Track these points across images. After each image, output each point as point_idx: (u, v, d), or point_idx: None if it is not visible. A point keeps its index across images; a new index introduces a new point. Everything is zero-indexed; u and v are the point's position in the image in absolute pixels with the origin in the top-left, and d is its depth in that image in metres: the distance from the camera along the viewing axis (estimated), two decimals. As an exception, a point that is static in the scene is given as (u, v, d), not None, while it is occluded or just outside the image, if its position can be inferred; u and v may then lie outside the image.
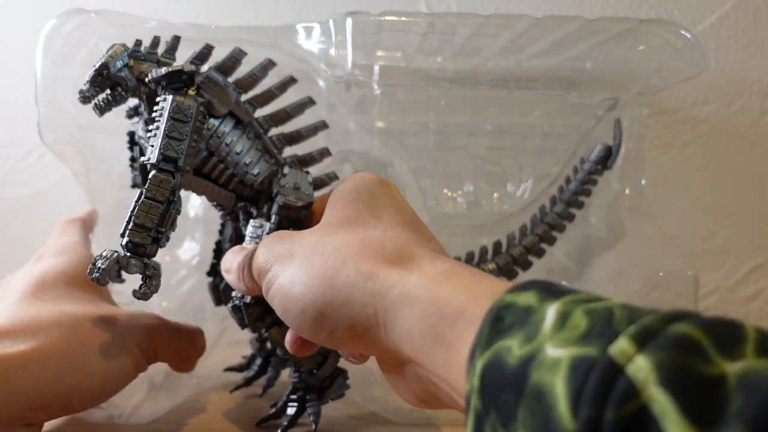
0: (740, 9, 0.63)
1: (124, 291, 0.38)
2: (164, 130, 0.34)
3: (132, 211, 0.33)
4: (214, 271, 0.44)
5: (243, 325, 0.38)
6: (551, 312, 0.20)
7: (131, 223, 0.33)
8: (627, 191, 0.55)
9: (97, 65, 0.36)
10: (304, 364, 0.39)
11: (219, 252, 0.45)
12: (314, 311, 0.27)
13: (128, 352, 0.35)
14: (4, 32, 0.66)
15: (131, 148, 0.42)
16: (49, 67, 0.47)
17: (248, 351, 0.48)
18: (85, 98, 0.36)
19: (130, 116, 0.41)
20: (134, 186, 0.42)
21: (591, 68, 0.51)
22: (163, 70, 0.35)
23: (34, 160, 0.68)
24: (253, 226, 0.38)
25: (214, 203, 0.41)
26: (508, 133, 0.57)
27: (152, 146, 0.34)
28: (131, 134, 0.42)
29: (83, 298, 0.37)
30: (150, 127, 0.35)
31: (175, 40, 0.38)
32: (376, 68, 0.50)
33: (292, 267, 0.29)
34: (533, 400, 0.18)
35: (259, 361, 0.47)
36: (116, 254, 0.32)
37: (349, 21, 0.47)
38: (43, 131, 0.47)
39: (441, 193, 0.56)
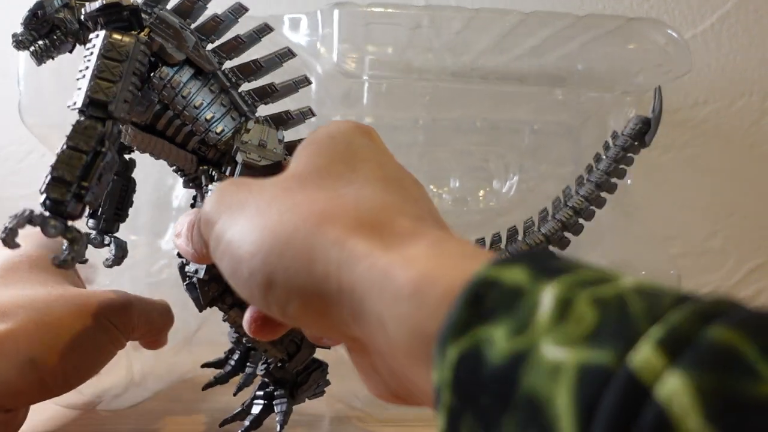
0: (740, 9, 0.63)
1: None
2: (93, 70, 0.29)
3: (51, 165, 0.28)
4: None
5: (200, 307, 0.33)
6: (548, 297, 0.16)
7: (48, 177, 0.27)
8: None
9: (32, 5, 0.32)
10: (271, 352, 0.34)
11: None
12: (263, 276, 0.22)
13: (103, 330, 0.34)
14: (4, 34, 0.66)
15: None
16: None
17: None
18: (18, 43, 0.33)
19: None
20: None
21: (580, 66, 0.51)
22: (98, 3, 0.30)
23: (35, 160, 0.68)
24: (211, 192, 0.32)
25: (174, 168, 0.35)
26: (495, 130, 0.55)
27: (79, 89, 0.29)
28: None
29: (48, 281, 0.35)
30: (80, 68, 0.29)
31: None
32: (365, 61, 0.49)
33: (242, 220, 0.23)
34: (525, 413, 0.15)
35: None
36: (30, 212, 0.27)
37: (336, 12, 0.46)
38: (24, 113, 0.46)
39: (427, 189, 0.56)
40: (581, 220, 0.42)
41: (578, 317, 0.15)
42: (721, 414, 0.13)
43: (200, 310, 0.33)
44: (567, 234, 0.42)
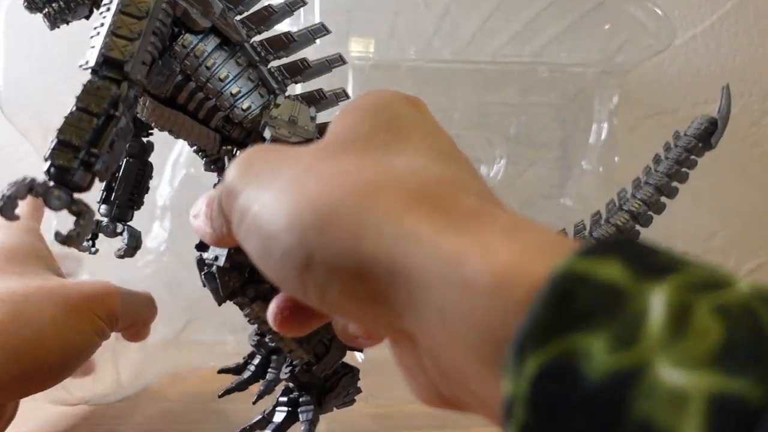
0: (740, 9, 0.63)
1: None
2: (109, 26, 0.26)
3: (58, 128, 0.25)
4: (203, 244, 0.33)
5: (219, 299, 0.30)
6: (658, 302, 0.13)
7: (54, 141, 0.24)
8: (600, 169, 0.53)
9: None
10: (297, 353, 0.31)
11: None
12: (300, 255, 0.18)
13: (86, 321, 0.33)
14: (6, 37, 0.66)
15: None
16: (11, 35, 0.44)
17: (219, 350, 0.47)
18: (31, 4, 0.29)
19: None
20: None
21: (562, 46, 0.50)
22: None
23: (35, 160, 0.68)
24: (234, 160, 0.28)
25: (195, 148, 0.32)
26: (481, 113, 0.54)
27: (92, 47, 0.26)
28: None
29: (28, 272, 0.34)
30: (95, 25, 0.27)
31: None
32: (348, 47, 0.48)
33: (273, 190, 0.19)
34: None
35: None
36: (31, 180, 0.23)
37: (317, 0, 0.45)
38: (3, 103, 0.46)
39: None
40: (638, 226, 0.38)
41: (701, 331, 0.12)
42: None
43: (219, 303, 0.30)
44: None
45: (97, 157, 0.25)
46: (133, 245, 0.35)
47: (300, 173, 0.19)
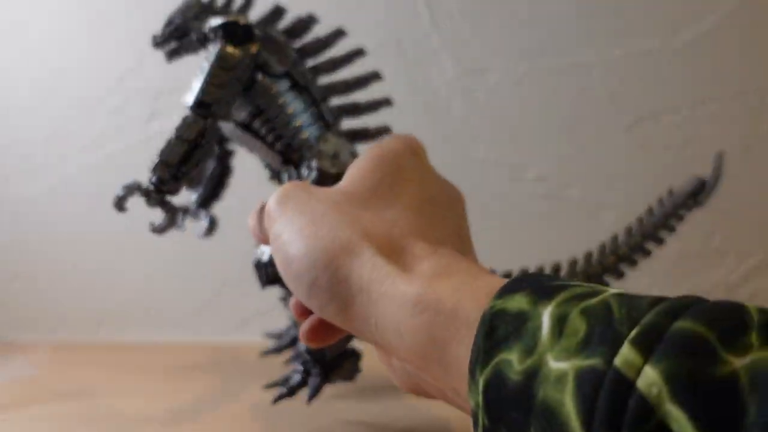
0: (740, 9, 0.63)
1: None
2: (207, 75, 0.35)
3: (161, 149, 0.35)
4: None
5: (261, 284, 0.38)
6: (546, 317, 0.18)
7: (157, 158, 0.35)
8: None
9: (171, 13, 0.38)
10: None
11: None
12: (309, 279, 0.25)
13: None
14: (8, 37, 0.67)
15: None
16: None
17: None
18: (157, 43, 0.38)
19: None
20: None
21: None
22: (220, 20, 0.36)
23: (36, 160, 0.68)
24: (277, 190, 0.37)
25: (264, 163, 0.42)
26: None
27: (192, 89, 0.35)
28: None
29: None
30: (198, 71, 0.36)
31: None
32: None
33: (298, 226, 0.26)
34: (543, 420, 0.17)
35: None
36: (137, 183, 0.35)
37: None
38: None
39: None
40: (624, 266, 0.44)
41: (573, 330, 0.18)
42: (686, 394, 0.15)
43: (261, 287, 0.38)
44: (607, 277, 0.45)
45: (185, 173, 0.35)
46: (210, 227, 0.42)
47: (317, 217, 0.26)
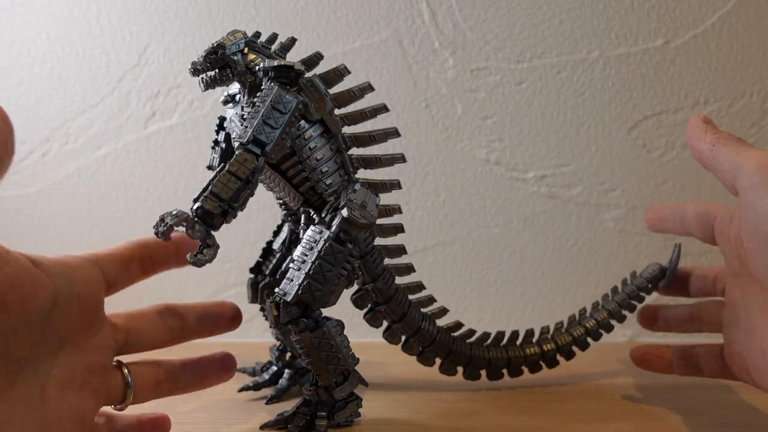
0: (741, 9, 0.63)
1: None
2: (262, 115, 0.36)
3: (211, 181, 0.35)
4: (258, 269, 0.46)
5: (276, 324, 0.38)
6: None
7: (208, 191, 0.34)
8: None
9: (215, 44, 0.38)
10: (325, 378, 0.39)
11: (268, 251, 0.46)
12: None
13: None
14: (7, 38, 0.67)
15: (218, 132, 0.43)
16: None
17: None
18: (195, 71, 0.38)
19: (225, 102, 0.42)
20: (209, 168, 0.43)
21: None
22: (276, 63, 0.37)
23: (35, 160, 0.68)
24: (312, 231, 0.39)
25: (280, 201, 0.43)
26: None
27: (246, 127, 0.36)
28: (221, 119, 0.43)
29: None
30: (248, 110, 0.37)
31: (291, 42, 0.40)
32: None
33: None
34: None
35: (273, 369, 0.48)
36: (186, 215, 0.34)
37: None
38: None
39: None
40: (590, 339, 0.49)
41: None
42: None
43: (274, 326, 0.41)
44: (574, 348, 0.49)
45: (234, 210, 0.35)
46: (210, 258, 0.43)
47: None
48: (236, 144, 0.36)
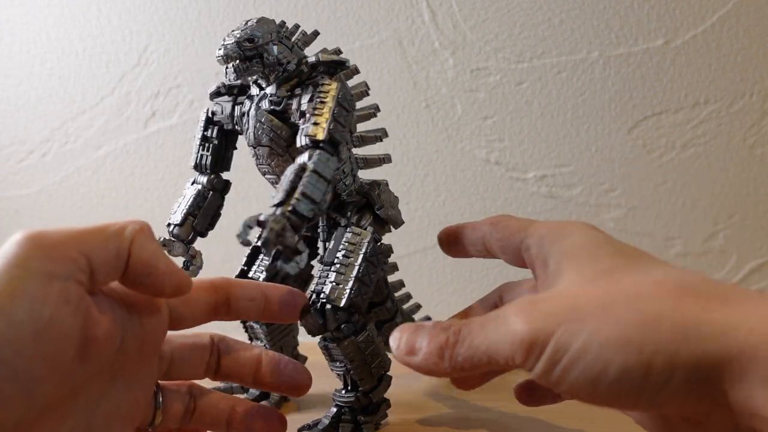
0: (741, 9, 0.63)
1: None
2: (333, 114, 0.34)
3: (292, 182, 0.31)
4: (244, 277, 0.43)
5: (320, 331, 0.36)
6: None
7: (298, 193, 0.31)
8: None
9: (250, 32, 0.36)
10: (368, 381, 0.38)
11: (253, 257, 0.42)
12: (640, 369, 0.22)
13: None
14: (7, 38, 0.67)
15: (207, 128, 0.40)
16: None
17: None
18: (227, 57, 0.36)
19: (218, 94, 0.40)
20: (196, 167, 0.40)
21: None
22: (335, 57, 0.36)
23: (35, 160, 0.68)
24: (352, 233, 0.37)
25: None
26: None
27: (315, 124, 0.34)
28: (211, 113, 0.40)
29: None
30: (310, 106, 0.34)
31: (314, 35, 0.39)
32: None
33: (586, 329, 0.23)
34: None
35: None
36: (285, 220, 0.30)
37: None
38: None
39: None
40: None
41: None
42: None
43: (315, 335, 0.37)
44: None
45: (322, 212, 0.32)
46: (200, 265, 0.41)
47: (597, 310, 0.24)
48: (304, 142, 0.33)
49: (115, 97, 0.66)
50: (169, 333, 0.31)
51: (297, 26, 0.39)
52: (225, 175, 0.41)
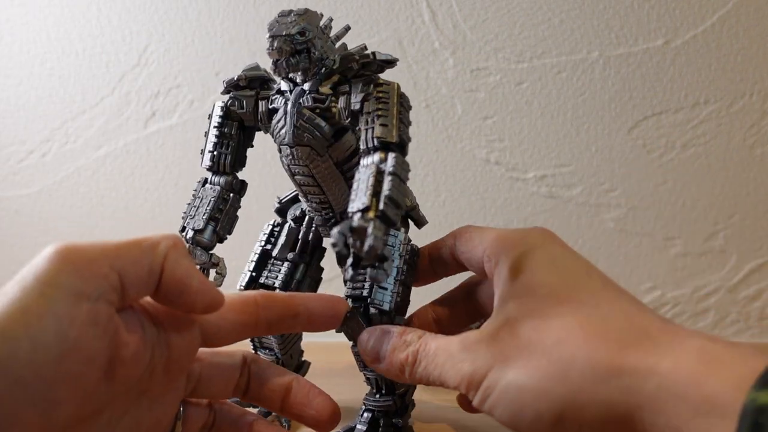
0: (741, 9, 0.63)
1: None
2: (398, 115, 0.33)
3: (374, 186, 0.30)
4: (254, 282, 0.40)
5: (352, 337, 0.35)
6: None
7: (385, 198, 0.29)
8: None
9: (302, 24, 0.33)
10: (402, 385, 0.38)
11: (262, 261, 0.41)
12: (551, 417, 0.24)
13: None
14: (7, 38, 0.67)
15: (223, 123, 0.37)
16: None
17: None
18: (282, 52, 0.33)
19: (237, 87, 0.37)
20: (212, 167, 0.37)
21: None
22: (390, 57, 0.35)
23: (35, 160, 0.68)
24: (389, 235, 0.37)
25: (326, 204, 0.38)
26: None
27: (383, 125, 0.32)
28: (226, 108, 0.37)
29: None
30: (375, 106, 0.33)
31: (345, 30, 0.37)
32: None
33: (510, 373, 0.25)
34: None
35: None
36: (383, 226, 0.29)
37: None
38: None
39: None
40: None
41: None
42: None
43: (353, 339, 0.36)
44: None
45: (401, 215, 0.32)
46: (225, 274, 0.38)
47: (523, 352, 0.26)
48: (372, 144, 0.32)
49: (115, 97, 0.66)
50: (201, 350, 0.29)
51: (331, 19, 0.36)
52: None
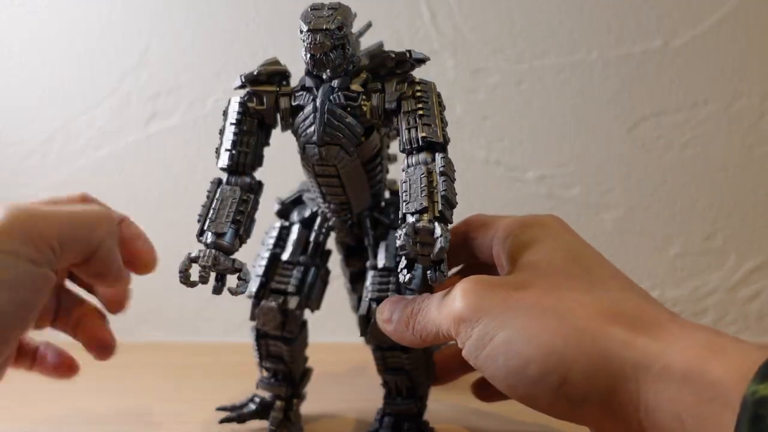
0: (740, 10, 0.63)
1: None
2: (439, 115, 0.33)
3: (427, 187, 0.30)
4: (263, 290, 0.39)
5: (381, 342, 0.35)
6: None
7: (441, 199, 0.30)
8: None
9: (341, 19, 0.32)
10: (425, 387, 0.38)
11: (271, 265, 0.39)
12: (558, 378, 0.23)
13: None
14: (7, 38, 0.67)
15: (241, 121, 0.35)
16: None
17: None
18: (323, 46, 0.31)
19: (253, 82, 0.35)
20: (230, 167, 0.34)
21: None
22: (420, 54, 0.34)
23: (36, 160, 0.68)
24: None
25: (346, 205, 0.37)
26: None
27: (426, 125, 0.32)
28: (244, 104, 0.35)
29: None
30: (418, 106, 0.32)
31: (366, 27, 0.36)
32: None
33: (516, 323, 0.24)
34: None
35: (257, 400, 0.42)
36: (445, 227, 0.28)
37: None
38: None
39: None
40: None
41: None
42: None
43: (376, 345, 0.37)
44: None
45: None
46: (249, 279, 0.35)
47: (534, 310, 0.24)
48: (417, 144, 0.32)
49: (115, 97, 0.66)
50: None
51: (355, 15, 0.34)
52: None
